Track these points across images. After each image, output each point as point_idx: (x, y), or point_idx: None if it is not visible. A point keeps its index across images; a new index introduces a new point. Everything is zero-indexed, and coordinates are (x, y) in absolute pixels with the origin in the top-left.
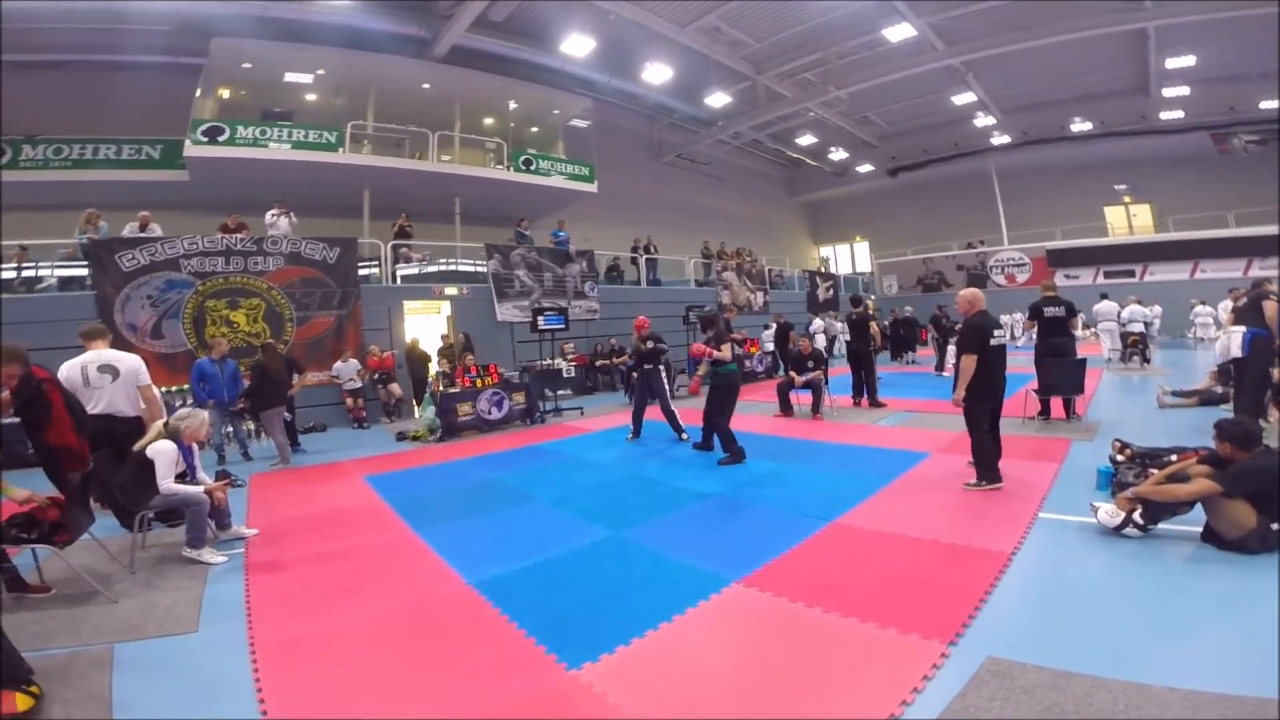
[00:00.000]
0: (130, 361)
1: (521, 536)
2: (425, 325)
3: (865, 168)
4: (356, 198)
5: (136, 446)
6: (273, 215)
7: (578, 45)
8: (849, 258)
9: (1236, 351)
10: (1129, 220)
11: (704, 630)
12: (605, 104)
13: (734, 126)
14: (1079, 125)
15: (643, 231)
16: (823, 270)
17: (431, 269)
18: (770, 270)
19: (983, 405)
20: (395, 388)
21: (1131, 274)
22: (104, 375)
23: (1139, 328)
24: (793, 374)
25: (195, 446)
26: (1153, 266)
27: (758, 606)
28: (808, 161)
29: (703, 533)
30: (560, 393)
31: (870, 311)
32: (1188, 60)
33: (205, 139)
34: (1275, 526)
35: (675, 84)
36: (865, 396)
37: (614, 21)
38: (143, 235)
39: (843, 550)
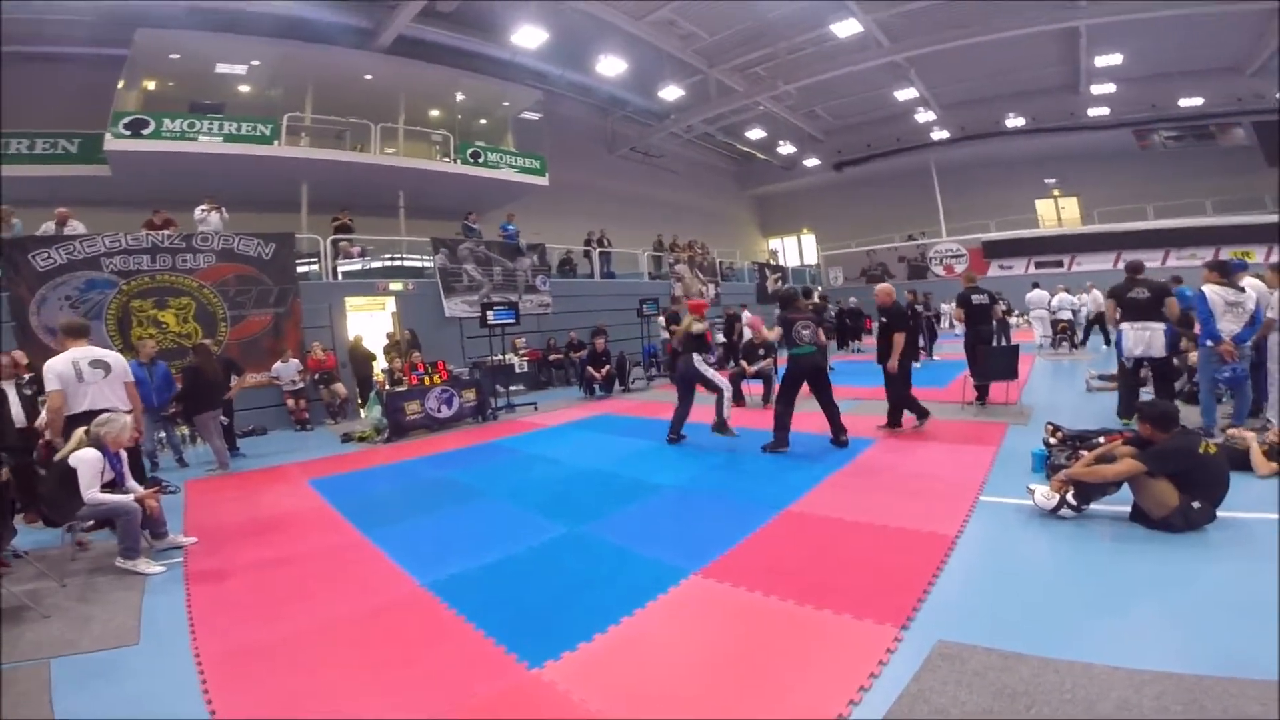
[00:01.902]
0: (119, 358)
1: (476, 535)
2: (369, 322)
3: (812, 161)
4: (294, 192)
5: (58, 456)
6: (202, 211)
7: (529, 37)
8: (797, 250)
9: (1161, 350)
10: (1058, 213)
11: (666, 623)
12: (557, 96)
13: (686, 120)
14: (1013, 121)
15: (596, 225)
16: (771, 262)
17: (375, 264)
18: (721, 262)
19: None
20: (339, 388)
21: (1060, 264)
22: (96, 371)
23: (1067, 315)
24: (744, 364)
25: (124, 453)
26: (1080, 257)
27: (717, 597)
28: (757, 155)
29: (661, 524)
30: (513, 388)
31: (822, 302)
32: (1115, 59)
33: (128, 132)
34: (1196, 504)
35: (629, 77)
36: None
37: (568, 13)
38: (60, 233)
39: (796, 537)
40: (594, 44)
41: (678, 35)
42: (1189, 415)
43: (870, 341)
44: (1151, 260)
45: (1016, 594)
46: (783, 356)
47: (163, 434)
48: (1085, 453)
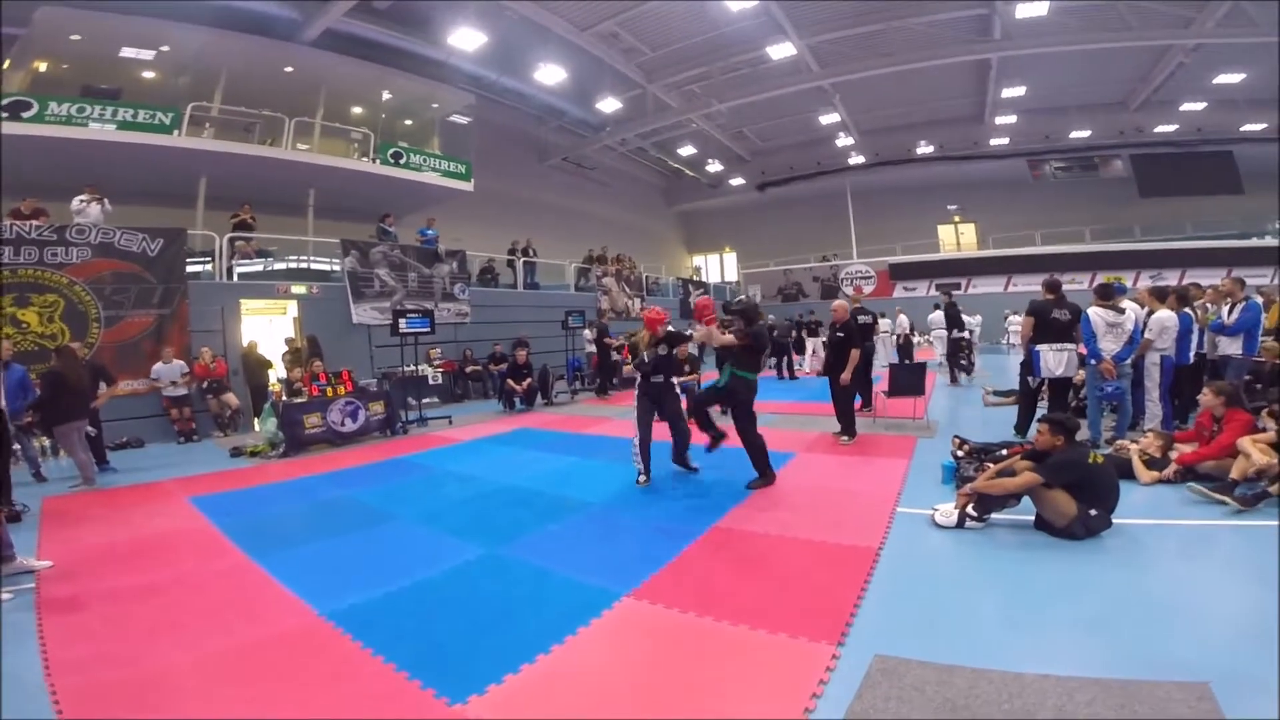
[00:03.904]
0: None
1: (383, 559)
2: (268, 328)
3: (738, 181)
4: (191, 185)
5: None
6: (81, 201)
7: (467, 39)
8: (719, 267)
9: (1074, 370)
10: (958, 238)
11: (598, 650)
12: (491, 101)
13: (622, 133)
14: (923, 149)
15: (522, 234)
16: (695, 278)
17: (279, 266)
18: (647, 277)
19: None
20: (230, 398)
21: (958, 286)
22: None
23: (967, 335)
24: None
25: None
26: (975, 280)
27: (650, 621)
28: (687, 172)
29: (587, 545)
30: (426, 401)
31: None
32: (1019, 90)
33: (5, 114)
34: (1094, 512)
35: (568, 86)
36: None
37: (510, 18)
38: None
39: (725, 554)
40: (534, 51)
41: (620, 48)
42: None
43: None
44: (1034, 284)
45: (941, 605)
46: (708, 373)
47: (17, 446)
48: (990, 465)
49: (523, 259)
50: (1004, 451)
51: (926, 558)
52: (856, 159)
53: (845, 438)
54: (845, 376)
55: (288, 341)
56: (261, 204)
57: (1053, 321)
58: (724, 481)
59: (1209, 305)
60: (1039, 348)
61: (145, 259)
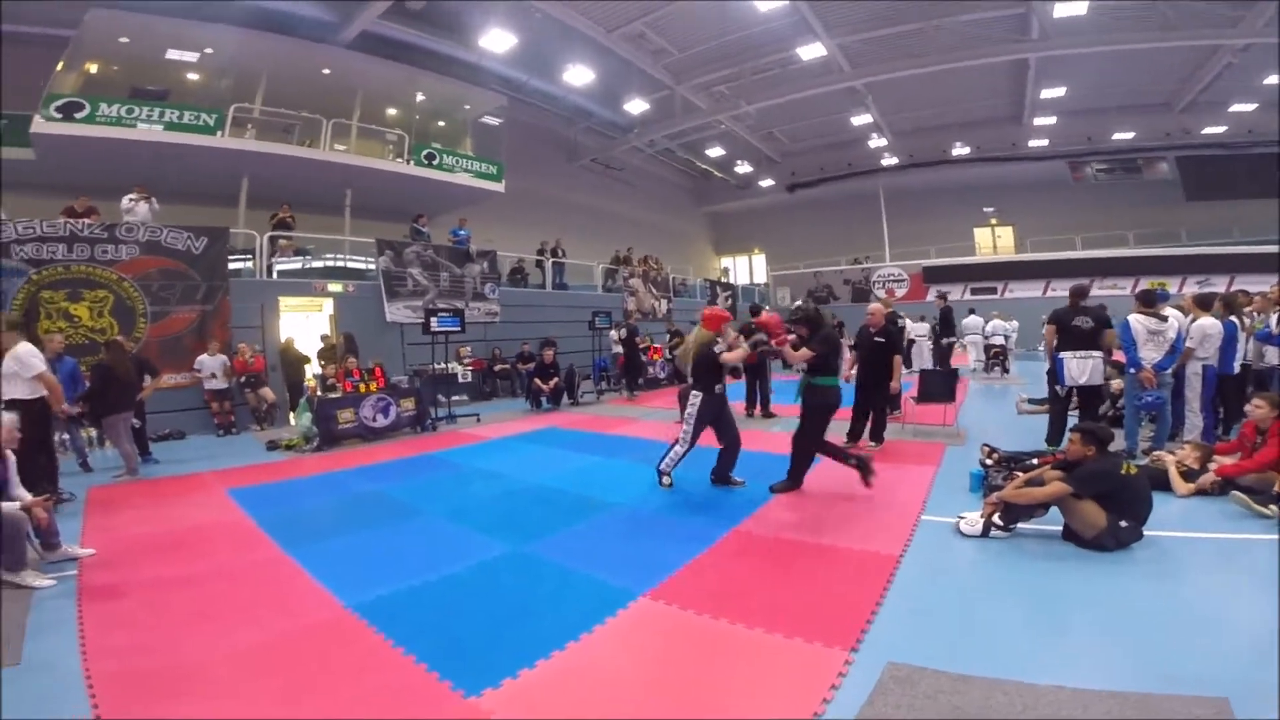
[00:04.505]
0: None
1: (409, 554)
2: (304, 324)
3: (767, 182)
4: (234, 185)
5: None
6: (130, 200)
7: (498, 41)
8: (747, 269)
9: (1099, 378)
10: (994, 241)
11: (613, 648)
12: (521, 103)
13: (650, 134)
14: (958, 150)
15: (551, 234)
16: (723, 280)
17: (316, 264)
18: (674, 278)
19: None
20: (267, 392)
21: (994, 291)
22: None
23: (1000, 341)
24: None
25: (11, 456)
26: (1012, 284)
27: (666, 621)
28: (715, 173)
29: (610, 544)
30: (455, 399)
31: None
32: (1059, 91)
33: (59, 115)
34: (1124, 524)
35: (596, 88)
36: (759, 405)
37: (539, 20)
38: None
39: (744, 557)
40: (563, 52)
41: (648, 50)
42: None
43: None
44: None
45: (960, 614)
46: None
47: (65, 435)
48: (1020, 474)
49: (551, 259)
50: (1034, 461)
51: (948, 566)
52: (890, 160)
53: (874, 444)
54: (895, 385)
55: (323, 338)
56: (300, 204)
57: (1074, 329)
58: (751, 484)
59: (1256, 313)
60: (1062, 355)
61: (190, 257)
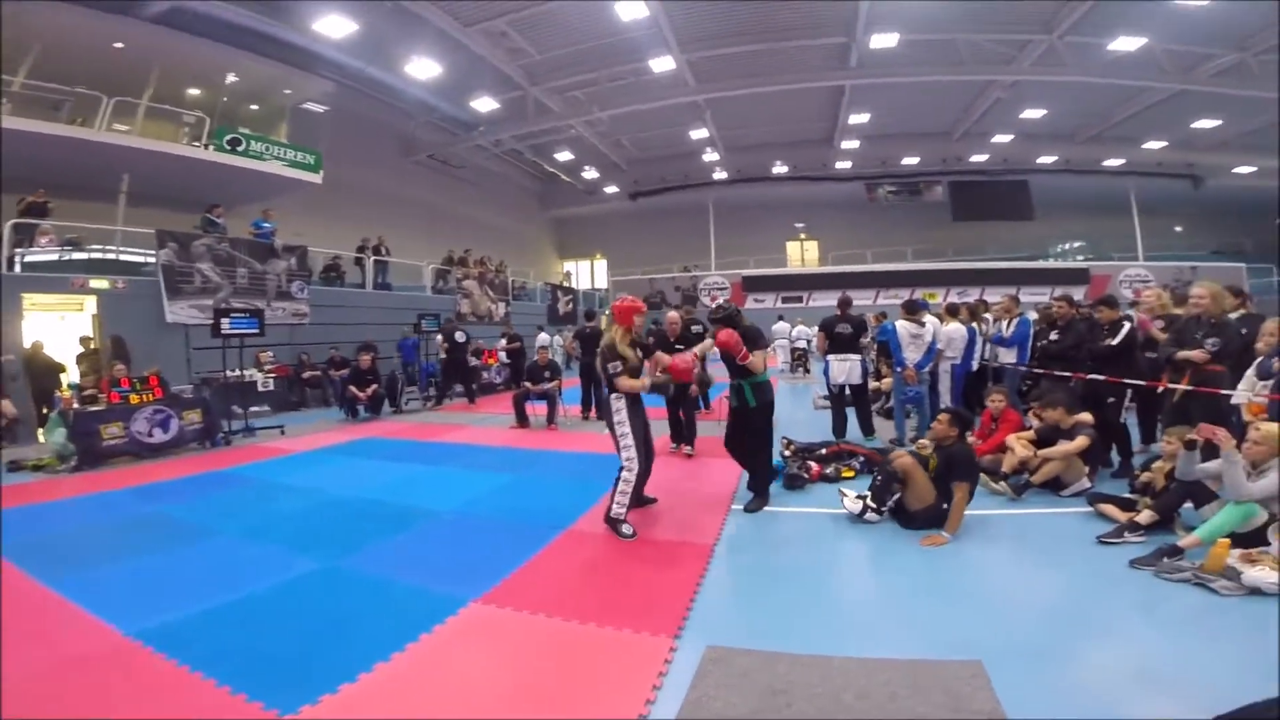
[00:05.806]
0: None
1: (201, 576)
2: (60, 326)
3: (612, 189)
4: None
5: None
6: None
7: (335, 26)
8: (589, 274)
9: (858, 378)
10: (802, 254)
11: (443, 655)
12: (353, 91)
13: (497, 134)
14: (778, 168)
15: (380, 231)
16: (565, 284)
17: (78, 256)
18: (514, 281)
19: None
20: (6, 405)
21: (800, 299)
22: None
23: (803, 344)
24: (527, 385)
25: None
26: (815, 294)
27: (498, 623)
28: (562, 177)
29: (435, 553)
30: (254, 409)
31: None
32: (864, 117)
33: None
34: (945, 506)
35: (442, 82)
36: (595, 407)
37: (387, 7)
38: None
39: (576, 556)
40: (408, 42)
41: (506, 48)
42: (885, 429)
43: None
44: (865, 298)
45: (766, 595)
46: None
47: None
48: (813, 463)
49: (373, 257)
50: (823, 450)
51: (754, 550)
52: (720, 174)
53: (688, 447)
54: (694, 388)
55: (83, 341)
56: (63, 188)
57: (837, 335)
58: (581, 486)
59: (992, 320)
60: (829, 358)
61: None
